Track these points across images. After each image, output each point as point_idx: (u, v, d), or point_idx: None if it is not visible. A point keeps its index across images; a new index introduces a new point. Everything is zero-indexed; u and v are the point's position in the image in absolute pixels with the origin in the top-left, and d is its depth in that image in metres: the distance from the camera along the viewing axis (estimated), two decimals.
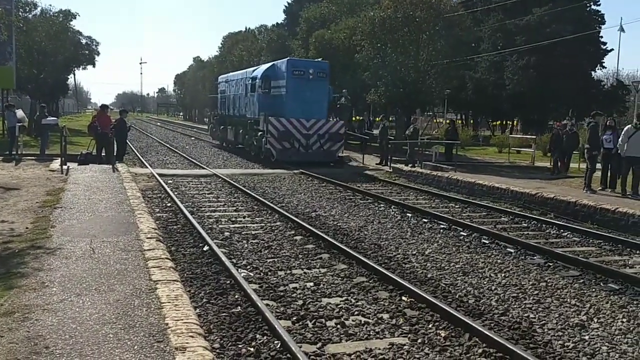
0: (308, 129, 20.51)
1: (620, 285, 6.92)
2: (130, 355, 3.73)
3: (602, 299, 6.39)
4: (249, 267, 7.31)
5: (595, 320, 5.73)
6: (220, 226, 9.76)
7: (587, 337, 5.26)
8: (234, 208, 11.68)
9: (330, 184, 15.65)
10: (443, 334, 5.25)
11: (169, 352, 3.77)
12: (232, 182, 15.10)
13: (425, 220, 10.81)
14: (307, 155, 20.24)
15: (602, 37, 37.12)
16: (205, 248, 8.00)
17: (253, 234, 9.20)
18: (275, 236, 9.14)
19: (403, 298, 6.21)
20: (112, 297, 4.87)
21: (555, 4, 33.38)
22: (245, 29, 62.51)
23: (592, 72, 37.87)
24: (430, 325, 5.46)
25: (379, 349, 4.91)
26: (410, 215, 11.35)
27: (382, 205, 12.53)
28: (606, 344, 5.12)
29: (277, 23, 54.91)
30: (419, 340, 5.11)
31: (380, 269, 7.06)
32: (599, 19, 37.01)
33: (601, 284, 6.99)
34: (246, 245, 8.46)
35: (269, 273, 7.07)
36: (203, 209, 11.43)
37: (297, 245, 8.61)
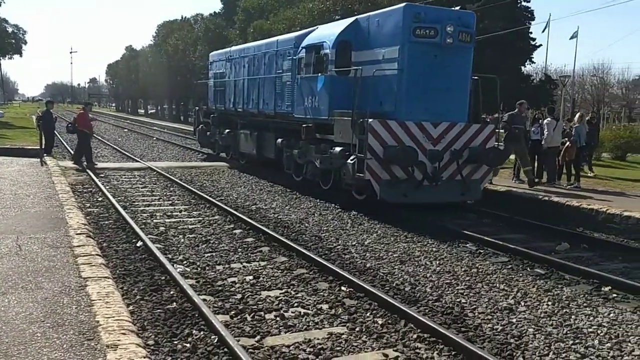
0: (436, 141, 10.50)
1: (546, 270, 7.28)
2: (59, 354, 3.59)
3: (529, 284, 6.70)
4: (185, 262, 7.16)
5: (523, 303, 6.00)
6: (155, 221, 9.52)
7: (514, 320, 5.50)
8: (170, 202, 11.41)
9: (272, 176, 15.52)
10: (380, 322, 5.35)
11: (100, 350, 3.65)
12: (168, 175, 14.74)
13: None
14: (433, 194, 10.52)
15: (531, 32, 38.72)
16: (139, 244, 7.78)
17: (190, 229, 9.03)
18: (214, 230, 9.00)
19: (342, 288, 6.28)
20: (40, 295, 4.66)
21: (488, 0, 34.54)
22: (181, 17, 60.98)
23: (522, 67, 39.46)
24: (368, 314, 5.55)
25: (318, 338, 4.95)
26: None
27: (323, 200, 12.08)
28: (532, 326, 5.37)
29: (214, 12, 53.90)
30: (357, 329, 5.19)
31: (320, 260, 7.11)
32: (529, 15, 38.55)
33: (528, 269, 7.33)
34: (182, 240, 8.29)
35: (207, 268, 6.96)
36: (137, 203, 11.10)
37: (237, 238, 8.52)
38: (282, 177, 14.37)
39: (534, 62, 42.05)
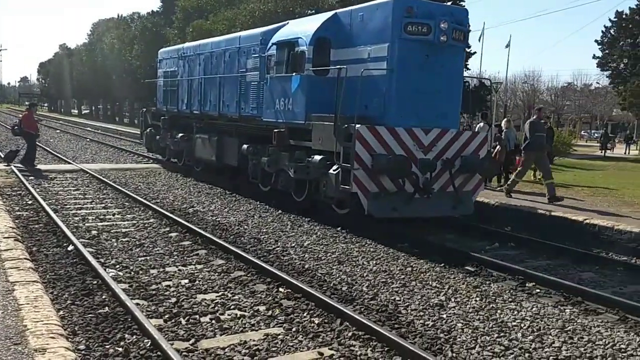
0: (427, 149, 9.59)
1: (476, 268, 7.59)
2: None
3: (460, 281, 6.97)
4: (118, 266, 6.99)
5: (453, 300, 6.23)
6: (87, 224, 9.22)
7: (444, 316, 5.72)
8: (103, 205, 11.09)
9: (211, 178, 15.34)
10: (317, 321, 5.43)
11: (28, 355, 3.55)
12: (101, 177, 14.30)
13: None
14: (425, 207, 9.50)
15: None
16: (70, 248, 7.53)
17: (124, 232, 8.81)
18: (148, 234, 8.82)
19: (280, 289, 6.31)
20: None
21: None
22: (118, 16, 59.30)
23: None
24: (305, 314, 5.62)
25: (254, 340, 4.97)
26: None
27: (263, 203, 12.05)
28: (461, 321, 5.60)
29: (152, 11, 52.73)
30: (294, 329, 5.24)
31: (259, 262, 7.11)
32: None
33: (459, 267, 7.61)
34: (115, 244, 8.08)
35: (140, 272, 6.82)
36: (68, 206, 10.72)
37: (172, 242, 8.39)
38: (222, 179, 14.25)
39: (469, 69, 43.60)
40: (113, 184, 13.26)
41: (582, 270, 7.83)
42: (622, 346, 5.10)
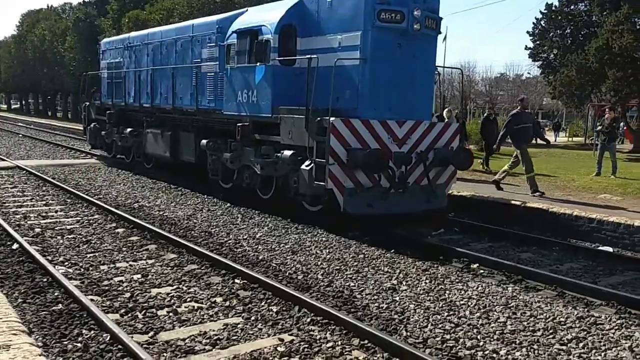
0: (401, 142, 9.25)
1: (424, 252, 7.88)
2: None
3: (409, 265, 7.23)
4: (67, 263, 6.82)
5: (404, 283, 6.48)
6: (29, 222, 8.91)
7: (397, 298, 5.94)
8: (44, 202, 10.71)
9: (153, 173, 15.05)
10: (275, 309, 5.53)
11: None
12: (39, 174, 13.76)
13: None
14: (400, 203, 9.09)
15: None
16: (15, 246, 7.27)
17: (68, 229, 8.57)
18: (94, 230, 8.62)
19: (236, 281, 6.35)
20: None
21: None
22: (48, 6, 56.63)
23: None
24: (263, 303, 5.69)
25: (214, 330, 5.01)
26: None
27: (210, 196, 11.88)
28: (413, 302, 5.84)
29: (84, 1, 50.66)
30: (253, 318, 5.31)
31: (212, 255, 7.11)
32: None
33: (409, 252, 7.88)
34: (62, 241, 7.86)
35: (91, 268, 6.69)
36: (7, 204, 10.29)
37: (120, 237, 8.24)
38: (167, 174, 14.01)
39: None
40: (52, 181, 12.81)
41: (521, 251, 8.28)
42: (562, 319, 5.48)
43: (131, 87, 15.36)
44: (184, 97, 12.82)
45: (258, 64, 10.11)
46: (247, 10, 11.68)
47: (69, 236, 8.15)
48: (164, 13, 29.10)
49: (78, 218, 9.42)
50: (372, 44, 8.88)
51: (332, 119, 8.55)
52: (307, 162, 8.97)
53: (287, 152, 9.44)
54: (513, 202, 10.31)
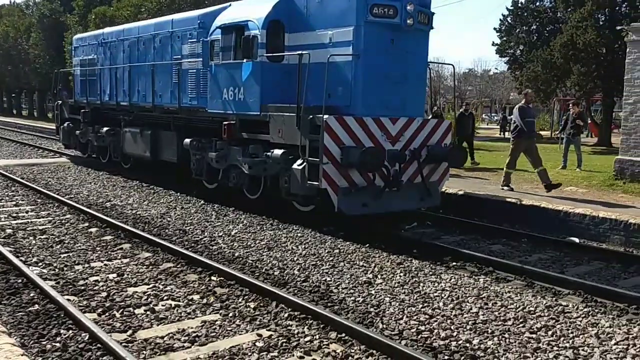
0: (395, 140, 9.08)
1: (398, 246, 8.03)
2: None
3: (384, 259, 7.37)
4: (41, 264, 6.76)
5: (379, 276, 6.61)
6: (0, 223, 8.75)
7: (373, 292, 6.06)
8: (14, 202, 10.53)
9: (124, 172, 14.87)
10: (252, 305, 5.59)
11: None
12: (6, 174, 13.48)
13: None
14: (394, 201, 9.01)
15: None
16: None
17: (41, 230, 8.45)
18: (67, 230, 8.53)
19: (212, 278, 6.38)
20: None
21: None
22: (10, 2, 55.13)
23: None
24: (240, 300, 5.75)
25: (192, 327, 5.05)
26: None
27: (184, 194, 11.81)
28: (388, 295, 5.97)
29: None
30: (230, 315, 5.36)
31: (188, 253, 7.12)
32: None
33: (383, 246, 8.01)
34: (34, 242, 7.76)
35: (65, 268, 6.64)
36: None
37: (94, 237, 8.17)
38: (136, 172, 13.87)
39: None
40: (21, 180, 12.58)
41: (491, 243, 8.50)
42: (531, 308, 5.68)
43: (107, 84, 14.86)
44: (164, 95, 12.43)
45: (245, 60, 9.86)
46: (230, 5, 11.27)
47: (42, 237, 8.05)
48: (131, 9, 28.62)
49: (50, 218, 9.30)
50: (364, 40, 8.67)
51: (325, 117, 8.34)
52: (299, 162, 8.74)
53: (278, 151, 9.19)
54: (480, 195, 10.53)
